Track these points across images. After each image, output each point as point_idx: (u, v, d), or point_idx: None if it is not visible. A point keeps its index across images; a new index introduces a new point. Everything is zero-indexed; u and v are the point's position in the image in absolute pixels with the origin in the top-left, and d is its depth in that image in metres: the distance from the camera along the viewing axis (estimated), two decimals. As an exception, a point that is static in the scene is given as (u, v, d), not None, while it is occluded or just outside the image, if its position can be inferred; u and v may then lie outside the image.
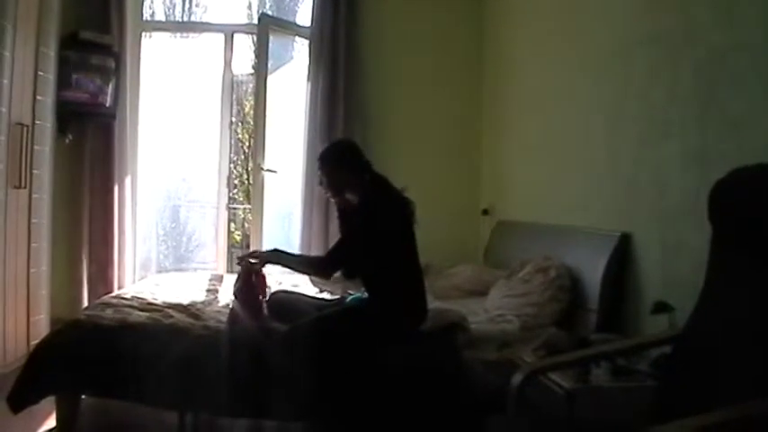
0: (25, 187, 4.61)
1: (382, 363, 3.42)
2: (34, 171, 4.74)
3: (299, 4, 8.74)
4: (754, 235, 2.07)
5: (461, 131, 6.44)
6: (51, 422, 3.64)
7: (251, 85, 8.12)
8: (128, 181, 5.90)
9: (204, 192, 7.13)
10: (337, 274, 3.74)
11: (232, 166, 7.55)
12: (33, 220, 4.76)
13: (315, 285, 4.80)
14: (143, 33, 6.22)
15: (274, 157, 6.04)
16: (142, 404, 3.56)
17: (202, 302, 4.16)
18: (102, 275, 5.80)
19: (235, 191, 8.90)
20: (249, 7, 8.64)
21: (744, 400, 1.79)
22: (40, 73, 4.81)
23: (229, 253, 6.86)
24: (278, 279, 4.72)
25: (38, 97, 4.78)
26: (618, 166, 3.89)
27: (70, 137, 5.68)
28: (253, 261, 3.74)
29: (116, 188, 5.79)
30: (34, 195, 4.76)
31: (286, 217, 6.49)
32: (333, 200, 3.88)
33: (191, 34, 7.18)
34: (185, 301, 4.08)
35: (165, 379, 3.35)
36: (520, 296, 4.09)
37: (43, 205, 4.94)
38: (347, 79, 6.06)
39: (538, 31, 5.26)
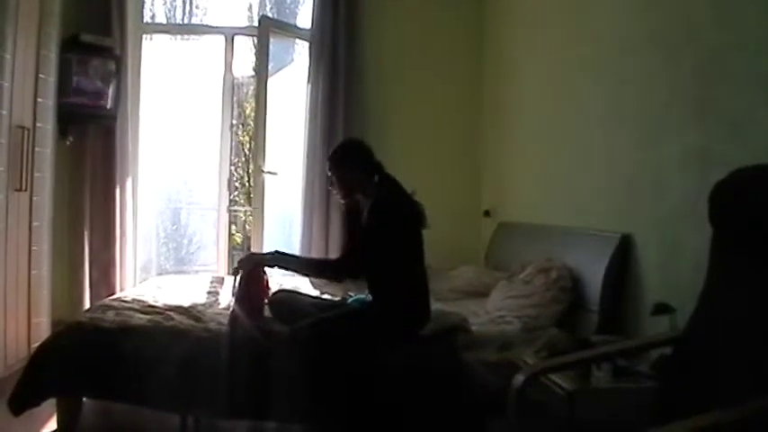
0: (26, 190, 4.61)
1: (383, 365, 3.42)
2: (35, 174, 4.74)
3: (299, 7, 8.74)
4: (754, 236, 2.07)
5: (462, 133, 6.45)
6: (52, 425, 3.64)
7: (252, 88, 8.13)
8: (129, 183, 5.90)
9: (205, 194, 7.12)
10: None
11: (233, 168, 7.55)
12: (34, 223, 4.76)
13: (315, 287, 4.80)
14: (144, 36, 6.21)
15: (275, 160, 6.04)
16: (143, 407, 3.57)
17: (203, 305, 4.15)
18: (104, 278, 5.80)
19: (236, 193, 8.90)
20: (249, 9, 8.65)
21: (744, 401, 1.79)
22: (41, 75, 4.81)
23: (230, 255, 6.86)
24: (279, 281, 4.71)
25: (39, 100, 4.78)
26: (618, 167, 3.89)
27: (71, 139, 5.69)
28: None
29: (117, 190, 5.79)
30: (35, 198, 4.76)
31: (287, 219, 6.49)
32: (342, 201, 3.87)
33: (191, 37, 7.18)
34: (186, 304, 4.08)
35: (166, 381, 3.36)
36: (521, 297, 4.09)
37: (44, 208, 4.94)
38: (347, 81, 6.06)
39: (538, 32, 5.26)
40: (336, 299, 4.11)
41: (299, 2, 8.85)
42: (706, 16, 3.10)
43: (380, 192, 3.63)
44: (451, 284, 5.03)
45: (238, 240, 8.83)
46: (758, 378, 1.90)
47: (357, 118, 6.07)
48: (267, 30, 6.01)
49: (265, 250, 5.76)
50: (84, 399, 3.65)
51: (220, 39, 6.46)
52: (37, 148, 4.75)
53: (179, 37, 7.05)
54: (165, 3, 8.53)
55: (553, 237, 4.55)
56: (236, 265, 3.76)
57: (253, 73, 7.56)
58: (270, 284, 3.80)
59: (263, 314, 3.66)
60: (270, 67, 6.08)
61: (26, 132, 4.56)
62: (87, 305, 5.50)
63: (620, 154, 3.87)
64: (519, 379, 2.36)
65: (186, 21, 8.60)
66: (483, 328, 3.86)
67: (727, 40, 2.95)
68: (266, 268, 3.80)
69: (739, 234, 2.15)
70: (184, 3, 8.68)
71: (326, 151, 4.06)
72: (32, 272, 4.76)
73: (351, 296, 4.07)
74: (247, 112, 9.19)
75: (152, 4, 6.62)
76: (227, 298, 4.24)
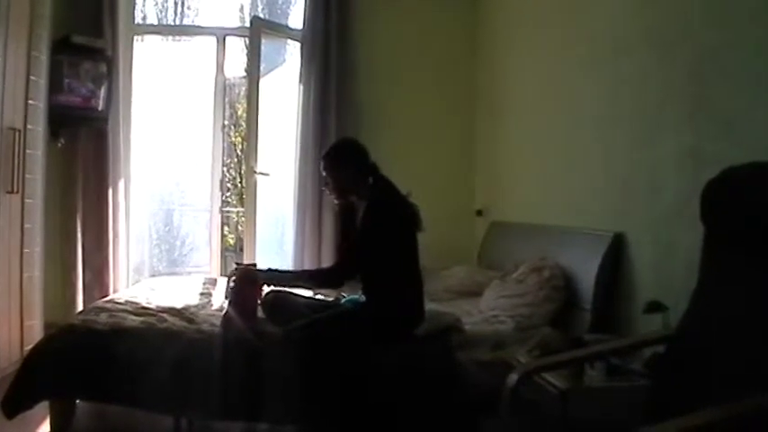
0: (18, 192, 4.60)
1: (377, 365, 3.42)
2: (27, 176, 4.73)
3: (291, 7, 8.76)
4: (746, 234, 2.07)
5: (455, 133, 6.44)
6: (46, 427, 3.62)
7: (243, 88, 8.12)
8: (121, 185, 5.88)
9: (197, 195, 7.12)
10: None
11: (225, 169, 7.53)
12: (26, 225, 4.75)
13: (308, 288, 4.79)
14: (135, 37, 6.20)
15: (267, 160, 6.03)
16: (137, 408, 3.57)
17: (196, 306, 4.14)
18: (97, 280, 5.78)
19: (228, 194, 8.90)
20: (241, 10, 8.67)
21: (737, 399, 1.80)
22: (32, 77, 4.80)
23: (223, 256, 6.85)
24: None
25: (30, 101, 4.77)
26: (611, 167, 3.90)
27: (63, 141, 5.67)
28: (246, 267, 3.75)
29: (109, 192, 5.77)
30: (27, 200, 4.75)
31: (279, 220, 6.49)
32: (336, 202, 3.87)
33: (183, 38, 7.18)
34: (179, 305, 4.07)
35: (159, 383, 3.36)
36: (514, 297, 4.10)
37: (36, 210, 4.93)
38: (339, 82, 6.06)
39: (532, 31, 5.26)
40: (330, 299, 4.11)
41: (290, 2, 8.86)
42: (700, 15, 3.11)
43: (375, 193, 3.62)
44: (445, 284, 5.04)
45: (231, 241, 8.82)
46: (752, 376, 1.90)
47: (349, 118, 6.06)
48: (259, 30, 6.00)
49: (258, 252, 5.80)
50: (77, 401, 3.64)
51: (212, 40, 6.45)
52: (28, 150, 4.75)
53: (170, 38, 7.07)
54: (157, 4, 8.54)
55: (546, 236, 4.56)
56: (229, 273, 3.78)
57: (244, 74, 7.56)
58: (263, 286, 3.79)
59: (257, 315, 3.65)
60: (261, 68, 6.07)
61: (17, 134, 4.55)
62: (80, 307, 5.48)
63: (614, 153, 3.88)
64: (512, 378, 2.36)
65: (178, 22, 8.61)
66: (476, 327, 3.87)
67: (721, 39, 2.96)
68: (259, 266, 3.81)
69: (731, 232, 2.16)
70: (176, 4, 8.69)
71: (318, 152, 4.06)
72: (25, 274, 4.75)
73: (344, 297, 4.07)
74: (239, 112, 9.20)
75: (143, 6, 6.63)
76: (220, 299, 4.24)
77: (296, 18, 7.42)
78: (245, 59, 7.79)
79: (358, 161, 3.70)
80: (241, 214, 7.74)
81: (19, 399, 3.38)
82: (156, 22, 7.88)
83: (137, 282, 5.76)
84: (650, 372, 2.66)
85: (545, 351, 3.07)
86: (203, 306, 4.18)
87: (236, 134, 9.44)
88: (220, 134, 6.52)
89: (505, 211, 5.63)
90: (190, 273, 6.98)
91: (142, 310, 3.90)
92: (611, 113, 3.91)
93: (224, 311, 3.65)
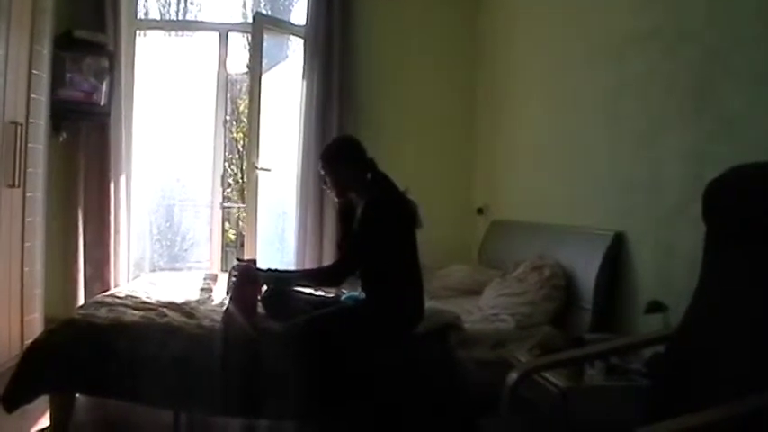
0: (19, 186, 4.59)
1: (376, 362, 3.43)
2: (28, 170, 4.73)
3: (293, 3, 8.71)
4: (747, 234, 2.07)
5: (456, 130, 6.44)
6: (45, 421, 3.63)
7: (245, 84, 8.10)
8: (122, 179, 5.89)
9: (198, 191, 7.09)
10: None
11: (226, 164, 7.53)
12: (27, 219, 4.75)
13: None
14: (137, 32, 6.20)
15: (269, 156, 6.03)
16: (137, 403, 3.57)
17: (196, 301, 4.15)
18: (98, 274, 5.79)
19: (229, 190, 8.89)
20: (244, 6, 8.61)
21: (738, 399, 1.80)
22: (35, 72, 4.79)
23: (223, 252, 6.85)
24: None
25: (32, 96, 4.77)
26: (613, 165, 3.89)
27: (65, 135, 5.67)
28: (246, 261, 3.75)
29: (111, 187, 5.78)
30: (28, 194, 4.75)
31: (280, 216, 6.49)
32: (335, 200, 3.87)
33: (185, 33, 7.16)
34: (179, 300, 4.08)
35: (159, 378, 3.36)
36: (514, 295, 4.10)
37: (37, 204, 4.93)
38: (342, 78, 6.06)
39: (534, 29, 5.26)
40: (330, 296, 4.10)
41: (292, -2, 8.83)
42: (702, 14, 3.11)
43: (373, 190, 3.62)
44: (444, 282, 5.04)
45: (232, 237, 8.82)
46: (753, 375, 1.90)
47: (351, 115, 6.07)
48: (261, 26, 5.99)
49: (259, 248, 5.80)
50: (77, 395, 3.63)
51: (214, 35, 6.45)
52: (30, 144, 4.74)
53: (173, 33, 7.05)
54: (159, -1, 8.52)
55: (546, 235, 4.55)
56: (230, 268, 3.79)
57: (246, 69, 7.54)
58: (263, 286, 3.79)
59: (257, 311, 3.65)
60: (264, 64, 6.06)
61: (19, 128, 4.55)
62: (81, 302, 5.49)
63: (615, 152, 3.87)
64: (512, 377, 2.37)
65: (180, 17, 8.56)
66: (476, 325, 3.87)
67: (725, 38, 2.95)
68: (258, 265, 3.82)
69: (732, 231, 2.16)
70: (178, -1, 8.66)
71: (320, 148, 4.06)
72: (25, 269, 4.74)
73: (344, 293, 4.07)
74: (241, 108, 9.19)
75: (146, 1, 6.58)
76: (220, 295, 4.24)
77: (298, 14, 7.40)
78: (247, 55, 7.76)
79: (355, 159, 3.70)
80: (242, 210, 7.73)
81: (19, 393, 3.38)
82: (158, 17, 7.84)
83: (137, 276, 5.76)
84: (650, 371, 2.67)
85: (545, 350, 3.07)
86: (204, 301, 4.18)
87: (238, 130, 9.44)
88: (222, 130, 6.52)
89: (506, 209, 5.63)
90: (190, 268, 6.95)
91: (142, 305, 3.91)
92: (614, 112, 3.90)
93: (225, 307, 3.65)
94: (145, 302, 3.97)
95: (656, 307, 2.94)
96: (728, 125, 2.90)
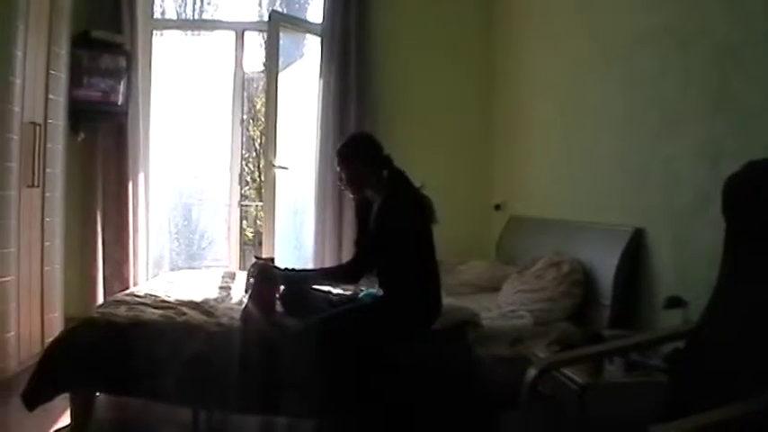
0: (38, 186, 4.62)
1: (394, 360, 3.43)
2: (47, 170, 4.76)
3: (309, 1, 8.74)
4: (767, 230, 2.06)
5: (474, 126, 6.42)
6: (66, 419, 3.65)
7: (262, 83, 8.12)
8: (140, 179, 5.92)
9: (216, 189, 7.13)
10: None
11: (244, 163, 7.56)
12: (47, 219, 4.78)
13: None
14: (154, 32, 6.23)
15: (286, 154, 6.04)
16: (156, 401, 3.58)
17: (215, 299, 4.16)
18: (117, 273, 5.83)
19: (246, 188, 8.93)
20: (260, 5, 8.65)
21: (758, 396, 1.78)
22: (52, 72, 4.82)
23: (241, 250, 6.87)
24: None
25: (50, 96, 4.80)
26: (631, 160, 3.87)
27: (83, 135, 5.70)
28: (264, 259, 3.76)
29: (129, 186, 5.82)
30: (47, 194, 4.78)
31: (298, 214, 6.50)
32: (351, 197, 3.87)
33: (202, 32, 7.19)
34: (198, 299, 4.08)
35: (178, 376, 3.36)
36: (532, 291, 4.08)
37: (56, 204, 4.96)
38: (359, 75, 6.06)
39: (550, 25, 5.24)
40: (348, 293, 4.11)
41: (308, -4, 8.85)
42: (718, 9, 3.09)
43: (390, 186, 3.62)
44: (462, 279, 5.03)
45: (249, 236, 8.84)
46: (772, 372, 1.89)
47: (368, 112, 6.07)
48: (277, 24, 6.00)
49: (277, 246, 5.82)
50: (97, 393, 3.66)
51: (231, 34, 6.46)
52: (48, 145, 4.77)
53: (189, 32, 7.08)
54: (176, -1, 8.56)
55: (565, 231, 4.54)
56: (249, 267, 3.80)
57: (263, 68, 7.56)
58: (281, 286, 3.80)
59: (276, 309, 3.66)
60: (280, 62, 6.08)
61: (38, 129, 4.58)
62: (100, 300, 5.52)
63: (633, 147, 3.85)
64: (531, 373, 2.36)
65: (196, 16, 8.62)
66: (494, 322, 3.86)
67: (740, 34, 2.94)
68: (276, 263, 3.83)
69: (753, 227, 2.14)
70: (194, -1, 8.70)
71: (338, 145, 4.05)
72: (45, 268, 4.78)
73: (362, 290, 4.07)
74: (258, 106, 9.22)
75: (162, 0, 6.63)
76: (239, 293, 4.25)
77: (314, 12, 7.44)
78: (263, 54, 7.79)
79: (372, 155, 3.70)
80: (260, 208, 7.77)
81: (39, 391, 3.40)
82: (174, 17, 7.87)
83: (156, 275, 5.79)
84: (670, 367, 2.65)
85: (564, 346, 3.05)
86: (222, 299, 4.19)
87: (255, 128, 9.46)
88: (239, 128, 6.54)
89: (524, 205, 5.62)
90: (209, 266, 6.98)
91: (161, 304, 3.91)
92: (632, 107, 3.88)
93: (243, 305, 3.66)
94: (164, 301, 3.97)
95: (675, 302, 2.93)
96: (746, 119, 2.88)
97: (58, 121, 4.97)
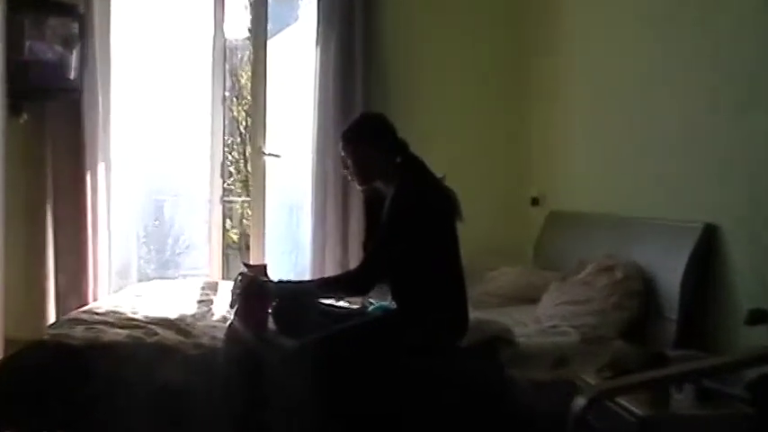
0: (-30, 179, 4.61)
1: (410, 386, 3.42)
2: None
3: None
4: None
5: (504, 103, 6.39)
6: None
7: (248, 53, 8.14)
8: (100, 170, 5.88)
9: (193, 182, 7.13)
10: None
11: (227, 150, 7.56)
12: (-18, 220, 4.77)
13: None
14: (115, -10, 6.21)
15: (277, 139, 6.04)
16: (120, 440, 3.57)
17: (193, 316, 4.18)
18: (73, 286, 5.80)
19: (230, 181, 8.96)
20: (244, -41, 8.68)
21: None
22: (-14, 39, 4.80)
23: (225, 256, 6.87)
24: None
25: (-18, 69, 4.78)
26: (698, 145, 3.86)
27: (26, 117, 5.66)
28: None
29: (87, 179, 5.78)
30: (-20, 190, 4.77)
31: (293, 211, 6.51)
32: (359, 189, 3.86)
33: (173, -9, 7.20)
34: (173, 316, 4.10)
35: (148, 410, 3.36)
36: (578, 303, 4.11)
37: (-6, 201, 4.95)
38: (365, 42, 6.04)
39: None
40: (354, 307, 4.10)
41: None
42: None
43: (404, 176, 3.61)
44: (492, 287, 5.06)
45: (234, 238, 8.88)
46: None
47: (377, 88, 6.06)
48: (265, -18, 6.01)
49: (268, 250, 5.83)
50: (45, 433, 3.65)
51: (209, -7, 6.46)
52: (-19, 128, 4.75)
53: (158, -8, 7.07)
54: (141, -50, 8.57)
55: (618, 228, 4.54)
56: (235, 276, 3.80)
57: (248, 34, 7.57)
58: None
59: (267, 327, 3.64)
60: (269, 28, 6.07)
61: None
62: (51, 319, 5.51)
63: (701, 128, 3.84)
64: (579, 402, 2.33)
65: (167, -28, 8.63)
66: (532, 340, 3.87)
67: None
68: (269, 271, 3.82)
69: None
70: (165, -50, 8.72)
71: (341, 128, 4.04)
72: (-20, 280, 4.77)
73: (371, 303, 4.07)
74: (243, 81, 9.23)
75: (124, -48, 6.62)
76: (222, 308, 4.25)
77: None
78: (248, 17, 7.79)
79: (383, 138, 3.70)
80: (247, 205, 7.77)
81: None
82: (140, -27, 7.90)
83: (121, 288, 5.77)
84: (753, 397, 2.63)
85: (618, 370, 3.04)
86: (202, 316, 4.21)
87: (240, 108, 9.49)
88: (220, 108, 6.51)
89: (568, 198, 5.62)
90: (185, 276, 6.99)
91: (127, 322, 3.93)
92: (696, 79, 3.86)
93: (228, 322, 3.65)
94: (131, 319, 3.99)
95: (759, 317, 2.89)
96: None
97: (-6, 100, 4.94)
